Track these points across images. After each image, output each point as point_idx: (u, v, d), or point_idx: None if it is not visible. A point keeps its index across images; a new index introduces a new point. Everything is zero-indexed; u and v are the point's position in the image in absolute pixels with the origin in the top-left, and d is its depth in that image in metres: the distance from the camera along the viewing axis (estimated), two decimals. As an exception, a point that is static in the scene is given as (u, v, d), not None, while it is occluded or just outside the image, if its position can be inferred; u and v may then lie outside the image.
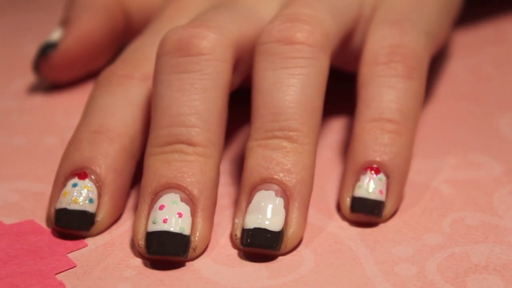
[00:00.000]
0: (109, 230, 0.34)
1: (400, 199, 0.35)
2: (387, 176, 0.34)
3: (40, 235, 0.33)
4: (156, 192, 0.32)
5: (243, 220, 0.32)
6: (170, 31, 0.34)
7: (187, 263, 0.32)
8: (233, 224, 0.33)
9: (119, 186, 0.34)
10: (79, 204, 0.33)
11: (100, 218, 0.33)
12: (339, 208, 0.35)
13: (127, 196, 0.35)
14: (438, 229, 0.33)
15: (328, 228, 0.34)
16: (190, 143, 0.33)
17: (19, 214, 0.35)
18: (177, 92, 0.33)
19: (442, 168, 0.37)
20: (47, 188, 0.35)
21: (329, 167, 0.38)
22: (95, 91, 0.37)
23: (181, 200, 0.32)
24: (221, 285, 0.30)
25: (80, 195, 0.33)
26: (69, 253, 0.32)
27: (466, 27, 0.51)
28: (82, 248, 0.32)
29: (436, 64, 0.46)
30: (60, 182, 0.34)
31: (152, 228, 0.31)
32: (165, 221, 0.31)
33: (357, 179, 0.34)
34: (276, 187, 0.32)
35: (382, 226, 0.34)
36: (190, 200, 0.32)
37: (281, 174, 0.32)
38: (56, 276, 0.31)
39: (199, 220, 0.32)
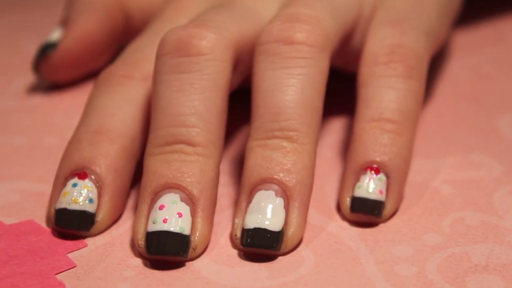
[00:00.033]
0: (109, 230, 0.34)
1: (400, 199, 0.35)
2: (387, 176, 0.34)
3: (40, 235, 0.33)
4: (156, 192, 0.32)
5: (243, 220, 0.32)
6: (169, 31, 0.34)
7: (187, 263, 0.32)
8: (233, 224, 0.33)
9: (119, 186, 0.34)
10: (79, 204, 0.33)
11: (100, 218, 0.33)
12: (339, 208, 0.34)
13: (127, 196, 0.35)
14: (438, 229, 0.33)
15: (328, 228, 0.34)
16: (190, 143, 0.33)
17: (19, 214, 0.35)
18: (177, 92, 0.33)
19: (442, 168, 0.37)
20: (47, 188, 0.35)
21: (329, 167, 0.37)
22: (95, 91, 0.37)
23: (181, 200, 0.32)
24: (221, 285, 0.30)
25: (80, 195, 0.33)
26: (69, 253, 0.32)
27: (466, 27, 0.51)
28: (82, 248, 0.32)
29: (436, 64, 0.46)
30: (60, 182, 0.34)
31: (152, 228, 0.31)
32: (165, 221, 0.31)
33: (357, 179, 0.34)
34: (276, 187, 0.32)
35: (382, 226, 0.34)
36: (190, 200, 0.32)
37: (281, 174, 0.32)
38: (56, 276, 0.31)
39: (199, 220, 0.32)
